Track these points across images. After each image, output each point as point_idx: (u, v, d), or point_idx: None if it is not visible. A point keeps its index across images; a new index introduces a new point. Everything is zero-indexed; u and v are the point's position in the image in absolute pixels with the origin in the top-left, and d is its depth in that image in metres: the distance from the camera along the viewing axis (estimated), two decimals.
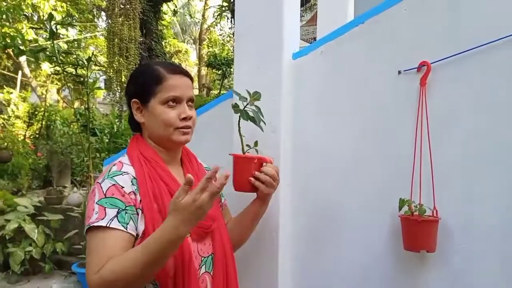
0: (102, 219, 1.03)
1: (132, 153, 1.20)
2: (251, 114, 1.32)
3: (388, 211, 1.61)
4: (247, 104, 1.29)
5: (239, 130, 1.30)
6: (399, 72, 1.63)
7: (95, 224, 1.03)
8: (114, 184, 1.09)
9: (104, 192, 1.08)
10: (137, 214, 1.09)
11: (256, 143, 1.33)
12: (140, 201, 1.10)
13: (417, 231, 1.50)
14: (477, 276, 1.47)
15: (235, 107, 1.30)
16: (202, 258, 1.22)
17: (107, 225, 1.03)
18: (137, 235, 1.08)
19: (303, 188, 1.81)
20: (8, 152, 5.46)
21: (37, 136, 7.52)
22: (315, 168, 1.79)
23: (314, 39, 6.07)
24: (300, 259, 1.80)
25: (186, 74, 1.25)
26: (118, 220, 1.04)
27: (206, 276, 1.23)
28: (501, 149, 1.44)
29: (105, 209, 1.05)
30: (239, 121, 1.28)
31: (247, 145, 1.30)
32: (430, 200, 1.53)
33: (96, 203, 1.07)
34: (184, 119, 1.20)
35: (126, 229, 1.05)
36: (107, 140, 6.58)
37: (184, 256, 1.10)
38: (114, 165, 1.17)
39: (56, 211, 4.66)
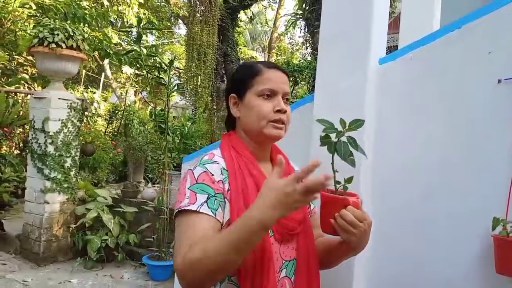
0: (193, 203, 1.04)
1: (224, 146, 1.20)
2: (343, 147, 1.07)
3: (479, 230, 1.50)
4: (341, 136, 1.07)
5: (332, 164, 1.09)
6: (499, 81, 1.52)
7: (186, 208, 1.04)
8: (205, 171, 1.10)
9: (196, 178, 1.09)
10: (225, 202, 1.08)
11: (349, 180, 1.13)
12: (228, 190, 1.09)
13: None
14: None
15: (325, 138, 1.09)
16: (284, 261, 1.16)
17: (197, 210, 1.03)
18: (223, 223, 1.07)
19: (384, 201, 1.74)
20: (92, 146, 5.90)
21: (115, 133, 8.05)
22: (397, 181, 1.72)
23: (390, 48, 5.88)
24: (377, 274, 1.73)
25: (283, 70, 1.23)
26: (208, 206, 1.04)
27: (285, 280, 1.16)
28: None
29: (196, 194, 1.05)
30: (333, 155, 1.07)
31: (337, 182, 1.10)
32: None
33: (187, 188, 1.08)
34: (279, 111, 1.16)
35: (215, 215, 1.04)
36: (178, 141, 6.89)
37: (264, 254, 1.06)
38: (206, 155, 1.18)
39: (131, 204, 4.93)
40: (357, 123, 1.09)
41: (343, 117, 1.72)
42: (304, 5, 7.42)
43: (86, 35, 4.97)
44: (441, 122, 1.65)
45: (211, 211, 1.04)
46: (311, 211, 1.38)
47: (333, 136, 1.09)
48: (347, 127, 1.09)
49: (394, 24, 5.68)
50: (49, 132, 4.61)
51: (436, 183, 1.64)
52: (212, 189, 1.07)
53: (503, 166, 1.47)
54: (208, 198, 1.05)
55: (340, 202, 1.05)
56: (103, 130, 8.45)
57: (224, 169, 1.13)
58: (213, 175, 1.10)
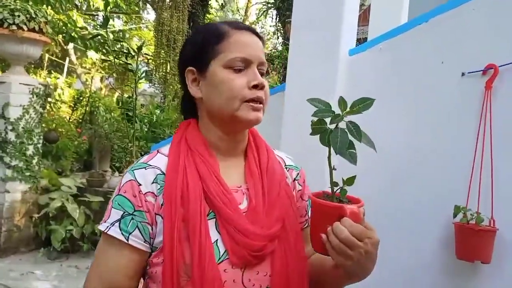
0: (105, 222, 0.82)
1: (174, 140, 0.90)
2: (339, 137, 0.75)
3: (442, 218, 1.56)
4: (339, 121, 0.76)
5: (329, 159, 0.79)
6: (463, 74, 1.57)
7: (99, 226, 0.84)
8: (130, 180, 0.83)
9: (119, 188, 0.84)
10: (150, 223, 0.82)
11: (349, 180, 0.79)
12: (162, 205, 0.82)
13: (473, 241, 1.44)
14: None
15: (317, 124, 0.78)
16: None
17: (105, 231, 0.81)
18: (153, 248, 0.83)
19: (352, 190, 1.77)
20: (56, 134, 5.69)
21: (80, 121, 7.81)
22: (365, 168, 1.75)
23: (359, 40, 5.96)
24: None
25: (256, 33, 0.91)
26: (120, 227, 0.80)
27: None
28: None
29: (111, 210, 0.82)
30: (329, 148, 0.77)
31: (335, 183, 0.79)
32: (487, 209, 1.47)
33: (112, 199, 0.86)
34: (255, 87, 0.84)
35: (127, 240, 0.80)
36: (146, 129, 6.76)
37: (208, 285, 0.76)
38: (147, 154, 0.92)
39: (97, 193, 4.81)
40: (365, 103, 0.76)
41: (314, 108, 1.73)
42: None
43: (49, 18, 4.76)
44: (408, 112, 1.69)
45: (123, 234, 0.80)
46: (306, 220, 1.01)
47: (328, 122, 0.78)
48: (347, 109, 0.77)
49: (363, 16, 5.75)
50: (9, 118, 4.40)
51: (404, 172, 1.69)
52: (132, 205, 0.81)
53: (466, 156, 1.53)
54: (122, 216, 0.81)
55: (333, 211, 0.75)
56: (68, 117, 8.16)
57: (162, 174, 0.85)
58: (140, 185, 0.82)
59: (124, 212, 0.81)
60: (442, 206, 1.55)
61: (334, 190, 0.80)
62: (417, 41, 1.70)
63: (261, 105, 0.86)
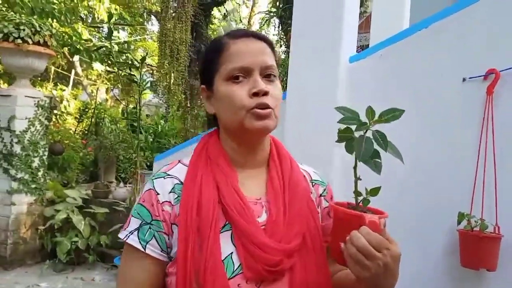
0: (125, 230, 0.83)
1: (196, 150, 0.91)
2: (364, 145, 0.73)
3: (447, 225, 1.54)
4: (366, 129, 0.75)
5: (354, 169, 0.78)
6: (464, 79, 1.56)
7: (119, 234, 0.84)
8: (149, 189, 0.84)
9: (141, 196, 0.86)
10: (167, 232, 0.81)
11: (374, 191, 0.78)
12: (179, 214, 0.81)
13: (477, 248, 1.42)
14: None
15: (344, 132, 0.77)
16: None
17: (125, 239, 0.82)
18: (170, 257, 0.82)
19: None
20: (61, 145, 5.72)
21: (86, 132, 7.86)
22: (372, 176, 1.74)
23: (361, 47, 5.97)
24: None
25: (259, 36, 0.87)
26: (138, 236, 0.81)
27: None
28: None
29: (131, 218, 0.83)
30: (356, 158, 0.75)
31: (359, 193, 0.78)
32: (492, 215, 1.45)
33: (133, 207, 0.87)
34: (256, 94, 0.81)
35: (144, 249, 0.80)
36: (151, 140, 6.79)
37: None
38: (169, 164, 0.92)
39: (102, 205, 4.80)
40: (393, 114, 0.75)
41: (315, 114, 1.74)
42: (277, 3, 7.44)
43: (54, 31, 4.81)
44: (410, 119, 1.67)
45: (140, 243, 0.80)
46: None
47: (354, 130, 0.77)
48: (375, 118, 0.75)
49: (366, 23, 5.76)
50: (15, 131, 4.43)
51: (409, 182, 1.67)
52: (149, 214, 0.82)
53: (469, 162, 1.51)
54: (140, 225, 0.81)
55: (353, 219, 0.74)
56: (73, 129, 8.23)
57: (180, 183, 0.84)
58: (158, 194, 0.83)
59: (142, 222, 0.82)
60: (447, 213, 1.53)
61: (358, 201, 0.78)
62: (417, 47, 1.69)
63: (267, 110, 0.81)
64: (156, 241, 0.81)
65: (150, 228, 0.81)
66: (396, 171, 1.68)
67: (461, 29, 1.59)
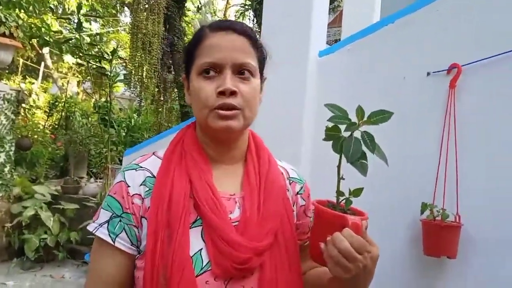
0: (94, 222, 0.80)
1: (172, 142, 0.88)
2: (352, 146, 0.73)
3: (410, 215, 1.58)
4: (354, 129, 0.75)
5: (338, 168, 0.77)
6: (428, 74, 1.60)
7: (88, 226, 0.82)
8: (120, 181, 0.82)
9: (111, 188, 0.83)
10: (136, 225, 0.79)
11: (356, 191, 0.78)
12: (149, 208, 0.79)
13: (439, 237, 1.47)
14: (501, 285, 1.42)
15: (332, 130, 0.76)
16: None
17: (94, 231, 0.79)
18: (140, 251, 0.80)
19: (321, 189, 1.79)
20: (29, 140, 5.55)
21: (56, 126, 7.65)
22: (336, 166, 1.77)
23: (335, 41, 6.03)
24: None
25: (240, 31, 0.82)
26: (108, 229, 0.78)
27: None
28: None
29: (100, 210, 0.81)
30: (340, 155, 0.75)
31: (341, 193, 0.78)
32: (453, 205, 1.50)
33: (104, 199, 0.84)
34: (222, 94, 0.78)
35: (114, 242, 0.78)
36: (124, 134, 6.67)
37: None
38: (143, 156, 0.90)
39: (72, 201, 4.72)
40: (383, 116, 0.76)
41: (285, 109, 1.75)
42: None
43: (20, 22, 4.65)
44: None
45: (110, 235, 0.78)
46: (308, 237, 0.94)
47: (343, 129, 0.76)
48: (364, 119, 0.75)
49: (339, 18, 5.81)
50: None
51: (376, 175, 1.69)
52: (120, 206, 0.79)
53: (432, 154, 1.55)
54: (110, 218, 0.79)
55: (335, 220, 0.73)
56: (43, 123, 8.00)
57: (152, 177, 0.82)
58: (128, 186, 0.81)
59: (113, 214, 0.79)
60: (412, 204, 1.57)
61: (339, 200, 0.78)
62: (384, 42, 1.72)
63: (232, 112, 0.79)
64: (126, 234, 0.79)
65: (120, 221, 0.79)
66: None
67: (425, 24, 1.63)
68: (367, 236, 0.74)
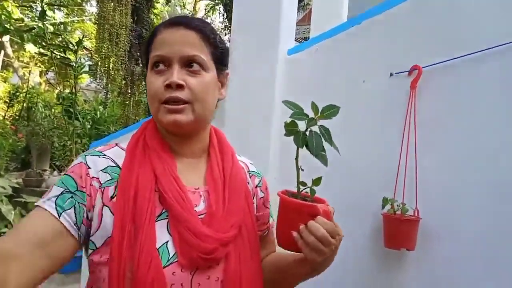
0: (43, 198, 0.75)
1: (134, 137, 0.88)
2: (315, 140, 0.80)
3: (373, 210, 1.65)
4: (312, 124, 0.81)
5: (296, 160, 0.83)
6: (391, 74, 1.67)
7: (36, 203, 0.76)
8: (80, 163, 0.80)
9: (69, 169, 0.81)
10: (88, 206, 0.77)
11: (317, 181, 0.84)
12: (113, 197, 0.78)
13: (399, 230, 1.54)
14: (456, 275, 1.51)
15: (290, 126, 0.82)
16: None
17: (40, 204, 0.74)
18: (80, 235, 0.75)
19: (290, 181, 1.83)
20: None
21: (17, 117, 7.36)
22: (301, 162, 1.82)
23: (305, 39, 6.11)
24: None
25: (190, 25, 0.84)
26: (56, 202, 0.73)
27: None
28: (485, 156, 1.48)
29: (53, 187, 0.77)
30: (298, 148, 0.82)
31: (302, 183, 0.84)
32: (412, 200, 1.58)
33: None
34: (169, 87, 0.80)
35: (59, 216, 0.72)
36: (89, 126, 6.50)
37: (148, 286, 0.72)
38: (106, 145, 0.89)
39: (35, 194, 4.57)
40: (331, 111, 0.82)
41: (254, 106, 1.78)
42: None
43: None
44: (341, 111, 1.77)
45: (57, 209, 0.73)
46: (269, 225, 1.04)
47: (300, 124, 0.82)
48: (319, 114, 0.82)
49: (309, 15, 5.88)
50: None
51: (336, 166, 1.76)
52: (75, 184, 0.76)
53: (393, 151, 1.62)
54: (62, 193, 0.75)
55: (307, 210, 0.79)
56: (3, 113, 7.67)
57: (116, 166, 0.82)
58: (89, 168, 0.79)
59: (65, 189, 0.76)
60: (373, 199, 1.64)
61: (300, 190, 0.84)
62: (350, 43, 1.78)
63: (179, 106, 0.80)
64: (74, 212, 0.74)
65: (72, 197, 0.75)
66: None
67: (389, 26, 1.69)
68: (334, 221, 0.81)
